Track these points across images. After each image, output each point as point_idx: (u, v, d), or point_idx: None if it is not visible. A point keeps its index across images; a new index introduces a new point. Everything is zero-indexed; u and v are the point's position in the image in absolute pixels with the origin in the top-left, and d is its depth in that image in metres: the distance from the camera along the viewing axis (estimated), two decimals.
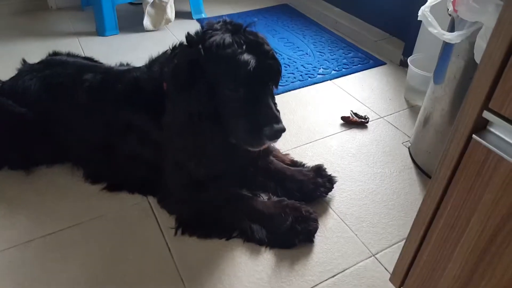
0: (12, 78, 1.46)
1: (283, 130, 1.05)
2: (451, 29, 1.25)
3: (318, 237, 1.22)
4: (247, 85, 1.04)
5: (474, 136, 0.58)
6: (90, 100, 1.31)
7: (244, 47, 1.04)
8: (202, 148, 1.14)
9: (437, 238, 0.70)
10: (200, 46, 1.05)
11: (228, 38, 1.04)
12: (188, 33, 1.12)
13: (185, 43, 1.15)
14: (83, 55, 1.81)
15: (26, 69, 1.46)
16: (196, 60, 1.05)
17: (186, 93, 1.07)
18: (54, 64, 1.45)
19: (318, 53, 2.26)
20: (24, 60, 1.54)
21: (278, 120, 1.06)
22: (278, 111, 1.18)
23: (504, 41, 0.50)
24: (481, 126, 0.58)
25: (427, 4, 1.26)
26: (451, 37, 1.17)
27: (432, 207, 0.69)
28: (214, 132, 1.10)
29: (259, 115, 1.04)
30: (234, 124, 1.09)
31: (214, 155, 1.15)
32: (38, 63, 1.50)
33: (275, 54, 1.10)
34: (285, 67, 2.12)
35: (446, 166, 0.64)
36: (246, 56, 1.02)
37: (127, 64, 1.51)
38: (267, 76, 1.09)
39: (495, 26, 0.52)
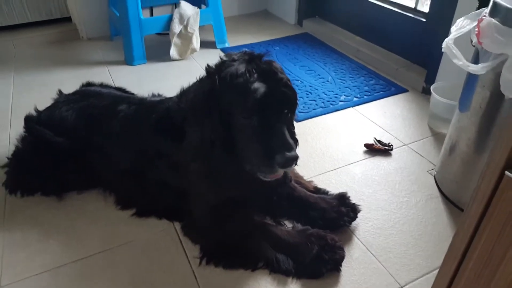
0: (48, 108, 1.53)
1: (295, 158, 1.04)
2: (476, 59, 1.26)
3: (345, 268, 1.21)
4: (260, 112, 1.05)
5: (506, 172, 0.59)
6: (124, 130, 1.36)
7: (255, 75, 1.05)
8: (214, 174, 1.15)
9: (470, 274, 0.70)
10: (216, 76, 1.09)
11: (241, 67, 1.06)
12: (207, 64, 1.16)
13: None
14: (113, 84, 1.89)
15: (62, 99, 1.53)
16: (212, 90, 1.08)
17: (202, 121, 1.10)
18: (89, 95, 1.52)
19: (339, 80, 2.29)
20: (60, 91, 1.61)
21: (290, 147, 1.03)
22: (296, 139, 1.20)
23: None
24: None
25: (450, 36, 1.28)
26: (476, 68, 1.18)
27: (465, 241, 0.69)
28: (226, 159, 1.12)
29: (271, 143, 1.04)
30: (247, 151, 1.09)
31: (226, 181, 1.17)
32: (74, 93, 1.57)
33: (289, 82, 1.10)
34: (306, 94, 2.16)
35: (478, 201, 0.64)
36: (256, 84, 1.04)
37: (159, 95, 1.57)
38: (281, 104, 1.08)
39: None
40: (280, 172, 1.08)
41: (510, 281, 0.63)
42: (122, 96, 1.53)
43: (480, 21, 1.18)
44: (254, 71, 1.06)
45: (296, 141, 1.21)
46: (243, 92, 1.04)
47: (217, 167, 1.14)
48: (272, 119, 1.06)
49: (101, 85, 1.68)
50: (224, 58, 1.14)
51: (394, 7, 2.40)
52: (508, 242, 0.62)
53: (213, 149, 1.11)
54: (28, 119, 1.49)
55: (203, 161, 1.15)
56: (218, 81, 1.07)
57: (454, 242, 0.72)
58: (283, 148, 1.02)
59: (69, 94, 1.57)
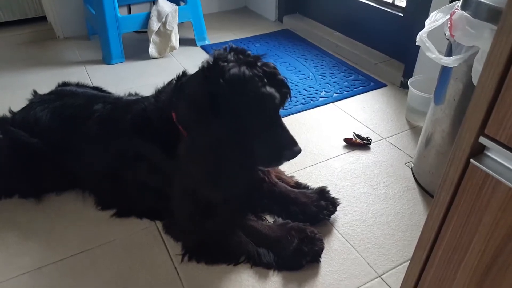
0: (23, 109, 1.51)
1: (300, 151, 1.14)
2: (449, 52, 1.29)
3: (324, 259, 1.23)
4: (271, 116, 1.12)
5: (471, 160, 0.61)
6: (100, 130, 1.34)
7: (265, 80, 1.09)
8: (223, 173, 1.15)
9: (441, 260, 0.72)
10: (221, 80, 1.06)
11: (247, 71, 1.07)
12: (203, 66, 1.12)
13: (188, 72, 1.22)
14: (91, 84, 1.87)
15: (37, 100, 1.50)
16: (216, 92, 1.06)
17: (209, 122, 1.08)
18: (65, 95, 1.49)
19: (319, 76, 2.31)
20: (35, 91, 1.59)
21: (296, 143, 1.14)
22: None
23: (495, 74, 0.53)
24: (478, 151, 0.61)
25: (424, 29, 1.30)
26: (449, 61, 1.20)
27: (434, 229, 0.71)
28: (236, 157, 1.14)
29: (279, 139, 1.13)
30: (255, 147, 1.13)
31: (233, 178, 1.18)
32: (49, 94, 1.55)
33: (286, 81, 1.17)
34: None
35: (446, 190, 0.66)
36: (270, 90, 1.09)
37: (136, 94, 1.55)
38: (282, 103, 1.17)
39: (486, 59, 0.55)
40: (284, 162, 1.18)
41: (477, 265, 0.65)
42: (98, 95, 1.51)
43: (452, 14, 1.20)
44: (261, 75, 1.09)
45: None
46: (259, 99, 1.08)
47: (227, 166, 1.14)
48: (275, 116, 1.14)
49: (77, 84, 1.65)
50: (216, 56, 1.11)
51: (372, 2, 2.43)
52: (475, 228, 0.64)
53: (225, 149, 1.12)
54: (2, 121, 1.47)
55: (213, 162, 1.13)
56: (224, 85, 1.06)
57: (425, 230, 0.74)
58: (291, 143, 1.13)
59: (44, 95, 1.54)
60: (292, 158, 1.15)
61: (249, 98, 1.07)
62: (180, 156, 1.18)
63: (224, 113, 1.07)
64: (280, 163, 1.18)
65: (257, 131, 1.11)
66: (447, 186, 0.66)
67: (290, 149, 1.13)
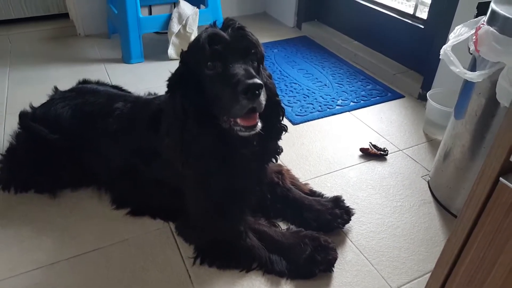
0: (44, 105, 1.52)
1: (256, 84, 0.97)
2: (472, 67, 1.28)
3: (337, 269, 1.22)
4: (222, 59, 1.04)
5: (501, 179, 0.60)
6: (120, 128, 1.35)
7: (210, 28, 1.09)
8: (188, 146, 1.12)
9: (462, 278, 0.71)
10: (184, 51, 1.13)
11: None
12: (181, 49, 1.17)
13: None
14: (110, 82, 1.88)
15: (58, 96, 1.51)
16: (182, 63, 1.13)
17: (174, 93, 1.12)
18: (86, 92, 1.51)
19: (336, 84, 2.30)
20: (56, 88, 1.60)
21: (250, 76, 0.99)
22: (271, 83, 1.23)
23: None
24: (508, 169, 0.60)
25: (449, 43, 1.29)
26: (473, 76, 1.19)
27: (457, 246, 0.70)
28: (200, 130, 1.10)
29: (233, 80, 1.00)
30: (218, 100, 1.06)
31: (201, 154, 1.13)
32: (70, 90, 1.56)
33: (244, 28, 1.10)
34: (304, 97, 2.16)
35: (472, 207, 0.65)
36: (210, 30, 1.06)
37: (155, 94, 1.56)
38: (242, 49, 1.07)
39: None
40: (248, 106, 1.00)
41: (501, 286, 0.64)
42: (118, 94, 1.52)
43: (478, 29, 1.19)
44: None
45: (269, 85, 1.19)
46: (200, 42, 1.05)
47: (190, 140, 1.11)
48: (236, 65, 1.03)
49: (98, 82, 1.67)
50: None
51: (393, 12, 2.42)
52: (501, 248, 0.63)
53: (187, 120, 1.10)
54: (23, 116, 1.48)
55: (176, 135, 1.12)
56: (186, 52, 1.12)
57: (447, 247, 0.72)
58: (243, 78, 0.98)
59: (65, 91, 1.56)
60: (251, 95, 0.98)
61: (195, 47, 1.07)
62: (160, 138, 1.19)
63: (187, 80, 1.10)
64: (240, 104, 0.99)
65: (216, 83, 1.04)
66: (474, 204, 0.65)
67: (242, 83, 0.97)
